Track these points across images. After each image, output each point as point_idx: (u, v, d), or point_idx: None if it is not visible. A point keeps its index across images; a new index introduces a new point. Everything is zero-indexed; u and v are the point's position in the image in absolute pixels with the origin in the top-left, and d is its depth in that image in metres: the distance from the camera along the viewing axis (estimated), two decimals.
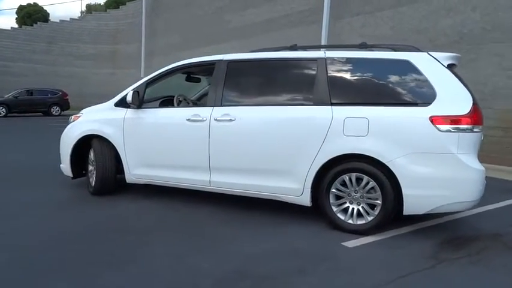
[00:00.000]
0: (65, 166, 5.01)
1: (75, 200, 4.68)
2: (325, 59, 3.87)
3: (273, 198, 4.04)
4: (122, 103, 4.68)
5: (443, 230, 3.91)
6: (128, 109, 4.61)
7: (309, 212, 4.06)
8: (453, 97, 3.46)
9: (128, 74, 24.27)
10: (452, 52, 3.86)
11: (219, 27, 16.61)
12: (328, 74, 3.81)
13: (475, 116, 3.39)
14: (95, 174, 4.77)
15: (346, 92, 3.76)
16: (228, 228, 3.81)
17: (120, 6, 25.53)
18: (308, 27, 12.50)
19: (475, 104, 3.44)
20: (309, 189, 3.79)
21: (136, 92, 4.43)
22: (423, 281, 2.82)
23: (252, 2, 14.89)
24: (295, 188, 3.85)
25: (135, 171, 4.59)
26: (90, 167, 4.94)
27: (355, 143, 3.59)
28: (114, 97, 4.85)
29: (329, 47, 4.07)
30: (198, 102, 5.46)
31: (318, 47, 4.17)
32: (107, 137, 4.66)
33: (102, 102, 5.00)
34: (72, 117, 5.15)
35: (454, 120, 3.36)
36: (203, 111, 4.21)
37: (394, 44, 4.01)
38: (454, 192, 3.41)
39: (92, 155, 4.87)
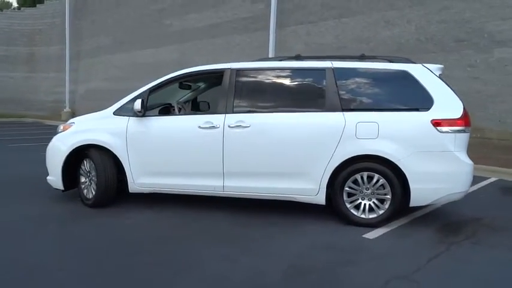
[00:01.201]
0: (55, 179, 4.73)
1: (76, 213, 4.45)
2: (332, 69, 4.23)
3: (288, 199, 4.29)
4: (123, 111, 4.58)
5: (433, 218, 4.48)
6: (130, 117, 4.53)
7: (314, 211, 4.39)
8: (447, 103, 4.03)
9: (48, 77, 22.60)
10: None
11: (158, 30, 16.30)
12: (337, 83, 4.17)
13: (466, 119, 4.00)
14: (92, 186, 4.61)
15: (354, 99, 4.16)
16: (251, 231, 3.97)
17: (38, 5, 23.56)
18: (253, 34, 12.88)
19: (464, 108, 4.04)
20: (324, 189, 4.12)
21: (142, 101, 4.37)
22: (449, 261, 3.30)
23: (194, 7, 14.88)
24: (311, 189, 4.15)
25: (140, 180, 4.52)
26: (83, 179, 4.74)
27: (367, 145, 4.00)
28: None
29: (331, 57, 4.43)
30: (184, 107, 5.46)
31: (322, 58, 4.51)
32: (107, 147, 4.52)
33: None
34: (61, 126, 4.87)
35: (451, 122, 3.93)
36: (215, 119, 4.31)
37: (390, 56, 4.52)
38: (452, 184, 3.98)
39: (86, 166, 4.68)
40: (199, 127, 4.33)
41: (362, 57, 4.46)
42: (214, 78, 4.71)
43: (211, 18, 14.32)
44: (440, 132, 3.91)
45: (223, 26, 13.88)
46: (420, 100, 4.05)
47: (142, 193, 4.65)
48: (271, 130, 4.22)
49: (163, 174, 4.47)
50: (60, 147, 4.70)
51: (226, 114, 4.31)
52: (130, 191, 4.60)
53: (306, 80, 4.34)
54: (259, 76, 4.45)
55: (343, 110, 4.10)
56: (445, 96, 4.05)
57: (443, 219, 4.47)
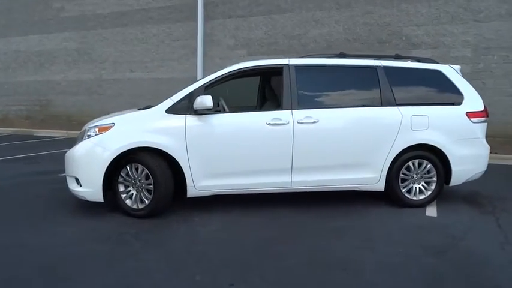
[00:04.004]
0: (92, 190, 4.04)
1: (137, 226, 3.92)
2: (383, 67, 4.62)
3: (350, 189, 4.57)
4: (178, 109, 4.16)
5: (451, 196, 5.21)
6: (188, 116, 4.15)
7: (358, 198, 4.79)
8: (472, 97, 4.80)
9: None
10: None
11: (44, 14, 14.16)
12: (389, 80, 4.58)
13: (486, 111, 4.85)
14: (143, 194, 4.12)
15: (404, 94, 4.63)
16: (334, 222, 4.14)
17: None
18: (173, 25, 12.35)
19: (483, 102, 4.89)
20: (384, 177, 4.52)
21: (212, 97, 4.05)
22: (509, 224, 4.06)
23: None
24: (373, 177, 4.50)
25: (201, 183, 4.19)
26: (123, 187, 4.18)
27: (420, 135, 4.53)
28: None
29: (369, 56, 4.82)
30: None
31: (363, 56, 4.85)
32: (163, 149, 4.06)
33: None
34: (96, 129, 4.12)
35: (479, 114, 4.72)
36: (283, 115, 4.29)
37: (418, 56, 5.12)
38: (478, 165, 4.80)
39: (131, 172, 4.13)
40: (267, 123, 4.24)
41: (397, 57, 4.96)
42: (271, 73, 4.61)
43: (118, 5, 13.17)
44: (473, 122, 4.68)
45: (134, 14, 12.92)
46: (453, 96, 4.74)
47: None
48: (338, 125, 4.41)
49: (229, 174, 4.24)
50: (99, 152, 4.02)
51: (293, 110, 4.32)
52: (188, 195, 4.23)
53: (361, 77, 4.62)
54: (318, 72, 4.57)
55: (397, 104, 4.54)
56: (470, 92, 4.82)
57: (458, 195, 5.23)
